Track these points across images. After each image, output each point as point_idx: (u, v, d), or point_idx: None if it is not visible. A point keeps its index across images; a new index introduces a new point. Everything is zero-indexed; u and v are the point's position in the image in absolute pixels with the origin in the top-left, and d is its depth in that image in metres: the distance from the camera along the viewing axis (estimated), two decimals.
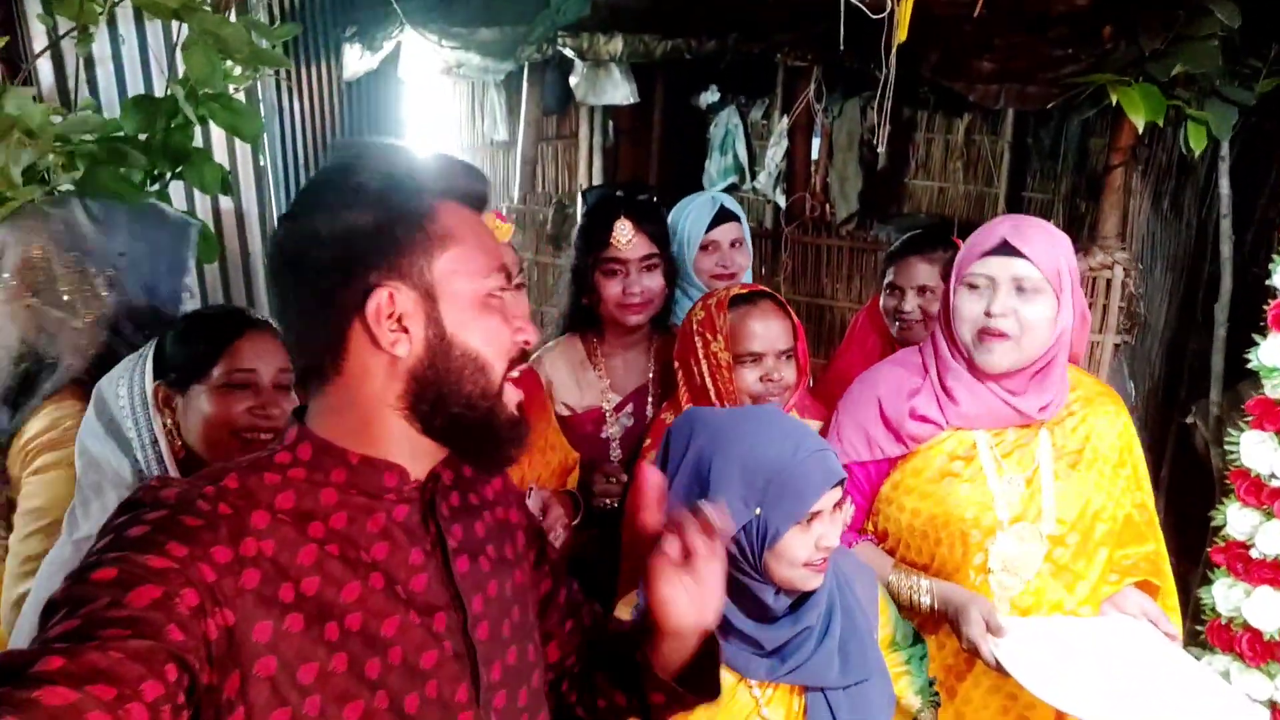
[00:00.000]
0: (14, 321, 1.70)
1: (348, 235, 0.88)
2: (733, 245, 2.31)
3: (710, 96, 6.92)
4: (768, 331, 1.75)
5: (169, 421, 1.49)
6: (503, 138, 5.58)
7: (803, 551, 1.29)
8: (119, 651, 0.71)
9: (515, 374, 0.95)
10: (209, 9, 1.72)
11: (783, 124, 5.81)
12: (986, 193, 5.79)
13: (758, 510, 1.28)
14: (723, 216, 2.31)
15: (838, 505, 1.33)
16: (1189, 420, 3.58)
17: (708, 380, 1.77)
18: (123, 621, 0.74)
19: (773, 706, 1.36)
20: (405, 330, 0.89)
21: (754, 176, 6.91)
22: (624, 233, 1.94)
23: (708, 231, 2.27)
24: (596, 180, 5.60)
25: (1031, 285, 1.59)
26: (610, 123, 5.90)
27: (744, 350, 1.75)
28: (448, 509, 0.99)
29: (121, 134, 2.05)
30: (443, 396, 0.91)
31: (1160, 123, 2.51)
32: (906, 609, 1.64)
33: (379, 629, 0.88)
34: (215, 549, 0.82)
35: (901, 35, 2.28)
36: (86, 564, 0.79)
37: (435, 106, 5.36)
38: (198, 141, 2.05)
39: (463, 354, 0.91)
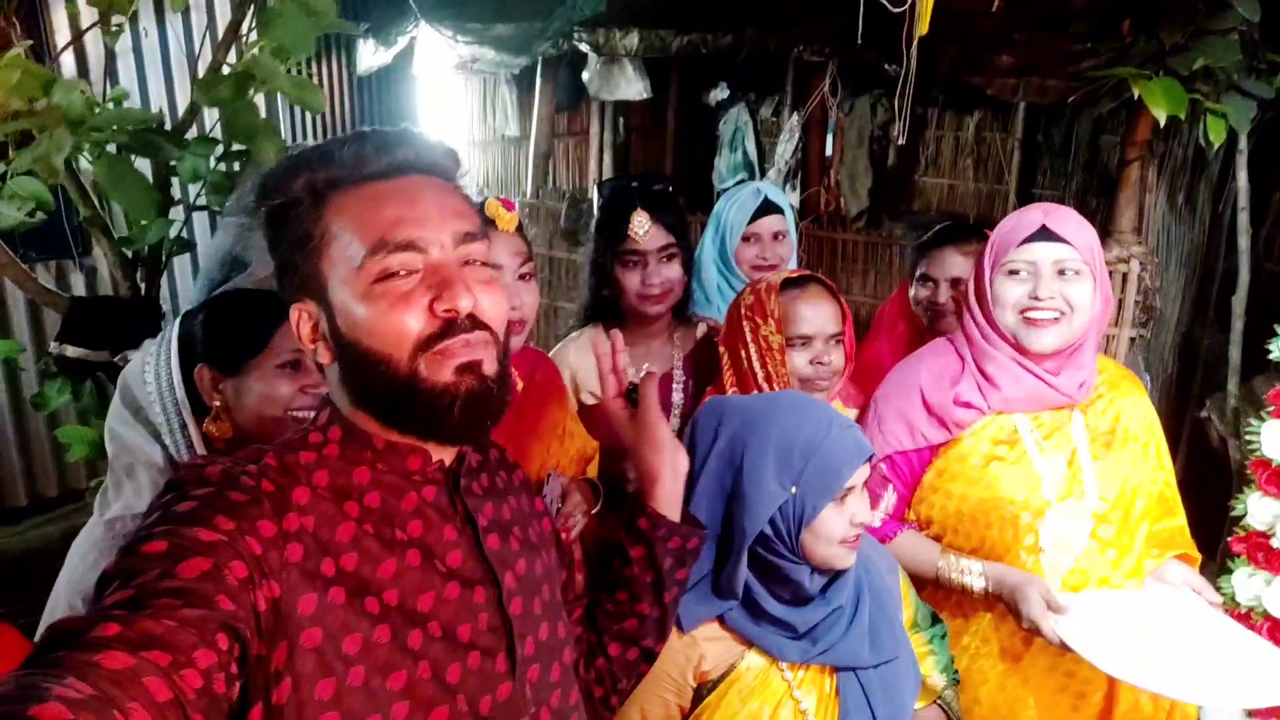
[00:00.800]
0: (227, 233, 1.74)
1: (279, 272, 0.96)
2: (775, 238, 2.33)
3: (720, 93, 6.94)
4: (818, 315, 1.76)
5: (216, 404, 1.50)
6: (514, 133, 5.59)
7: (839, 528, 1.31)
8: (172, 620, 0.73)
9: (457, 345, 0.90)
10: None
11: (793, 120, 5.82)
12: (997, 190, 5.80)
13: (794, 489, 1.30)
14: (767, 208, 2.33)
15: (866, 482, 1.35)
16: (1203, 414, 3.59)
17: (756, 364, 1.78)
18: (174, 592, 0.75)
19: (805, 689, 1.37)
20: (320, 339, 0.93)
21: (763, 173, 6.93)
22: (641, 224, 1.95)
23: (751, 223, 2.29)
24: (608, 176, 5.62)
25: (1073, 268, 1.63)
26: (621, 119, 5.92)
27: (795, 333, 1.76)
28: (479, 488, 1.02)
29: (154, 125, 2.07)
30: (366, 388, 0.92)
31: (1182, 116, 2.51)
32: (958, 593, 1.67)
33: (416, 603, 0.90)
34: (261, 523, 0.83)
35: (923, 29, 2.29)
36: (137, 538, 0.80)
37: (447, 102, 5.37)
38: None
39: (362, 349, 0.90)
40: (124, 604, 0.74)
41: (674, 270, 1.99)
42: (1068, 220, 1.65)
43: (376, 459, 0.94)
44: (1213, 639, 1.55)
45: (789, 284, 1.80)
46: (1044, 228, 1.63)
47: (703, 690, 1.37)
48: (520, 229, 1.58)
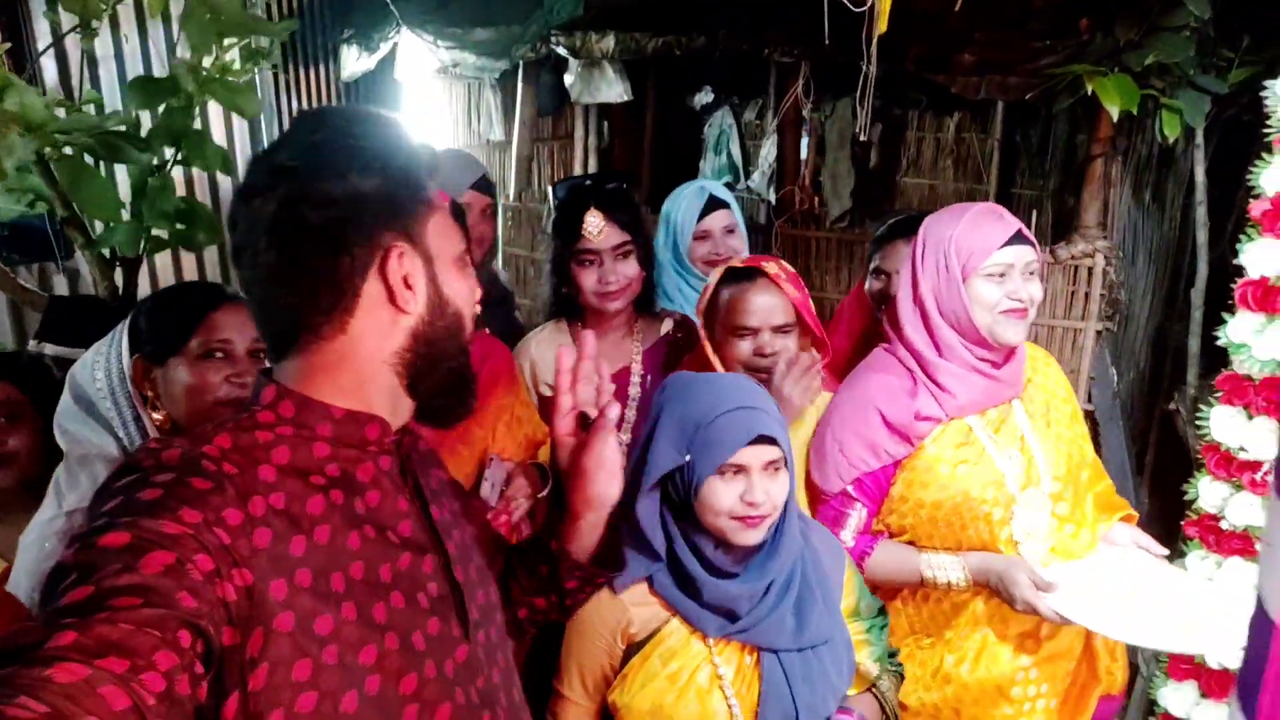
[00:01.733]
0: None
1: (360, 197, 0.91)
2: (726, 232, 2.38)
3: (704, 97, 7.01)
4: (761, 306, 1.81)
5: (149, 394, 1.54)
6: (498, 137, 5.63)
7: (726, 501, 1.37)
8: (129, 622, 0.71)
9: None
10: None
11: (775, 123, 5.89)
12: (976, 190, 5.87)
13: (687, 456, 1.38)
14: (713, 204, 2.38)
15: (772, 465, 1.40)
16: (1172, 407, 3.64)
17: (710, 356, 1.86)
18: (133, 589, 0.73)
19: (725, 657, 1.43)
20: (411, 288, 0.94)
21: (748, 176, 7.00)
22: (594, 224, 2.00)
23: (699, 220, 2.35)
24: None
25: (1035, 267, 1.75)
26: (605, 123, 5.97)
27: (738, 324, 1.82)
28: (417, 459, 1.06)
29: (120, 128, 2.12)
30: (436, 350, 0.98)
31: (1135, 111, 2.57)
32: (943, 590, 1.76)
33: (377, 576, 0.92)
34: (226, 512, 0.82)
35: (882, 26, 2.35)
36: (96, 527, 0.78)
37: (431, 107, 5.42)
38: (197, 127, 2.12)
39: (453, 311, 0.99)
40: (80, 605, 0.72)
41: (630, 267, 2.03)
42: (1019, 220, 1.76)
43: (334, 429, 0.94)
44: (1172, 589, 1.72)
45: (735, 276, 1.85)
46: (1019, 232, 1.72)
47: (630, 651, 1.44)
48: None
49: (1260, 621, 0.58)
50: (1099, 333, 3.37)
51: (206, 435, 0.90)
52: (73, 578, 0.74)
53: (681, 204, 2.40)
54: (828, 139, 6.26)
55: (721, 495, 1.38)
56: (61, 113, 2.11)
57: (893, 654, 1.65)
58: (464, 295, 1.00)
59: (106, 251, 2.38)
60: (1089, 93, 2.54)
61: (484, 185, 2.61)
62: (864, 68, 2.44)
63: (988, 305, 1.71)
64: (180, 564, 0.76)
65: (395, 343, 0.96)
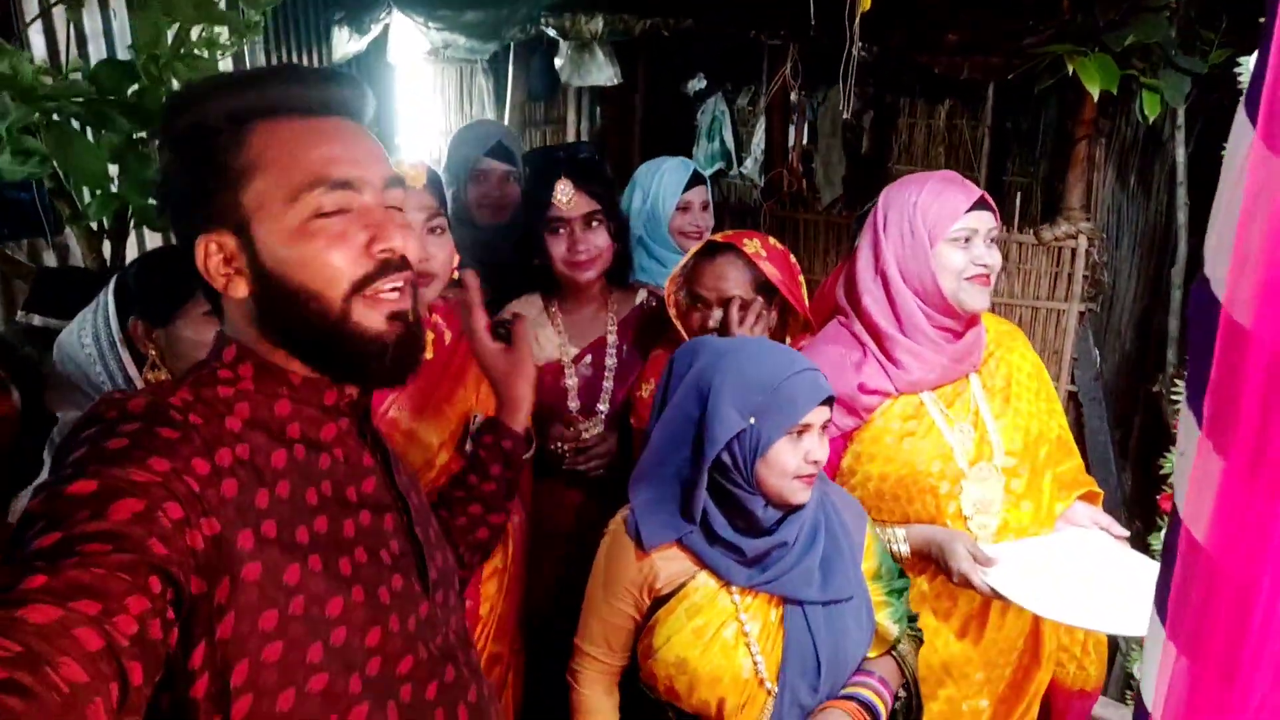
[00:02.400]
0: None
1: (170, 188, 0.93)
2: (703, 207, 2.43)
3: (698, 84, 7.02)
4: (718, 279, 1.83)
5: (153, 353, 1.56)
6: (491, 120, 5.66)
7: (792, 462, 1.39)
8: (101, 567, 0.70)
9: (388, 292, 0.92)
10: None
11: (763, 103, 5.90)
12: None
13: (752, 419, 1.38)
14: (696, 179, 2.42)
15: (825, 424, 1.43)
16: (1155, 388, 3.68)
17: (676, 324, 1.89)
18: (103, 535, 0.72)
19: (751, 613, 1.45)
20: (235, 272, 0.91)
21: (740, 162, 7.02)
22: (565, 192, 2.01)
23: (684, 192, 2.39)
24: None
25: (995, 236, 1.75)
26: (597, 108, 5.99)
27: (696, 293, 1.86)
28: (374, 421, 1.07)
29: (110, 97, 2.13)
30: (286, 325, 0.92)
31: (1114, 91, 2.60)
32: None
33: (341, 530, 0.92)
34: (195, 461, 0.82)
35: (864, 4, 2.38)
36: (63, 476, 0.77)
37: (423, 90, 5.43)
38: None
39: (291, 287, 0.89)
40: (49, 550, 0.71)
41: (600, 237, 2.05)
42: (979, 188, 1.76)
43: (292, 393, 0.94)
44: (1123, 572, 1.65)
45: (712, 250, 1.88)
46: (982, 197, 1.72)
47: (657, 604, 1.46)
48: (428, 185, 1.62)
49: (1173, 524, 0.60)
50: (1082, 314, 3.40)
51: (168, 388, 0.89)
52: (40, 525, 0.74)
53: (664, 175, 2.44)
54: (820, 127, 6.27)
55: (788, 457, 1.38)
56: (49, 81, 2.13)
57: (912, 619, 1.63)
58: (307, 265, 0.89)
59: (94, 225, 2.40)
60: (1070, 73, 2.55)
61: (500, 152, 2.63)
62: (847, 47, 2.45)
63: (954, 271, 1.70)
64: (149, 511, 0.76)
65: (253, 320, 0.94)
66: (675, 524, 1.45)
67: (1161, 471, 2.43)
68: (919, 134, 6.18)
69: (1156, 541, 2.42)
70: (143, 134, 2.07)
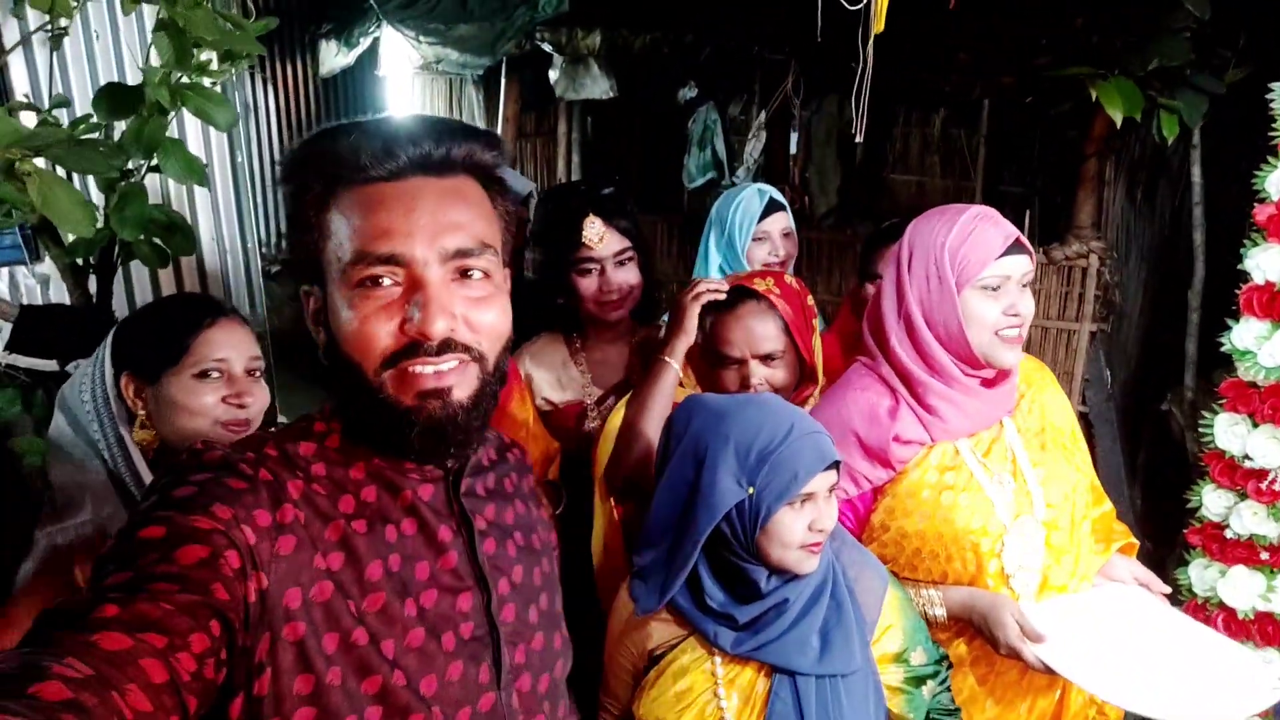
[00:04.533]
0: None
1: (288, 234, 0.97)
2: (784, 235, 2.34)
3: (689, 92, 6.93)
4: (746, 335, 1.72)
5: (141, 413, 1.48)
6: None
7: (797, 533, 1.29)
8: (169, 604, 0.73)
9: (419, 368, 0.88)
10: None
11: (761, 118, 5.83)
12: (964, 186, 5.83)
13: (750, 489, 1.29)
14: (772, 207, 2.34)
15: (832, 489, 1.33)
16: (1164, 407, 3.63)
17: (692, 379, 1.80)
18: (170, 576, 0.75)
19: (733, 683, 1.35)
20: (319, 327, 0.93)
21: (733, 172, 6.94)
22: (594, 230, 1.91)
23: (759, 222, 2.30)
24: (576, 176, 5.60)
25: (1030, 279, 1.60)
26: (589, 119, 5.90)
27: (722, 353, 1.74)
28: (483, 489, 1.02)
29: (93, 134, 2.01)
30: (338, 387, 0.92)
31: (1138, 118, 2.52)
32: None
33: (398, 608, 0.89)
34: (257, 512, 0.83)
35: (878, 26, 2.30)
36: (134, 522, 0.80)
37: (413, 102, 5.33)
38: (172, 133, 2.02)
39: (341, 350, 0.90)
40: (121, 586, 0.74)
41: (631, 274, 1.96)
42: (1014, 227, 1.60)
43: (374, 454, 0.93)
44: (1175, 643, 1.56)
45: (721, 303, 1.75)
46: (1017, 240, 1.57)
47: (653, 663, 1.39)
48: None
49: None
50: (1093, 334, 3.34)
51: (256, 442, 0.91)
52: (112, 566, 0.77)
53: (739, 204, 2.35)
54: (814, 135, 6.20)
55: (793, 527, 1.29)
56: (32, 118, 2.02)
57: (952, 711, 1.47)
58: (347, 330, 0.88)
59: (80, 260, 2.29)
60: (1092, 98, 2.48)
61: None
62: (858, 68, 2.37)
63: (984, 324, 1.56)
64: (213, 558, 0.78)
65: (332, 382, 0.94)
66: (668, 588, 1.36)
67: (1189, 505, 2.35)
68: (914, 143, 6.13)
69: (1183, 576, 2.35)
70: (142, 164, 1.97)
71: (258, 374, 1.54)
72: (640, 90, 5.30)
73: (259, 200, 5.55)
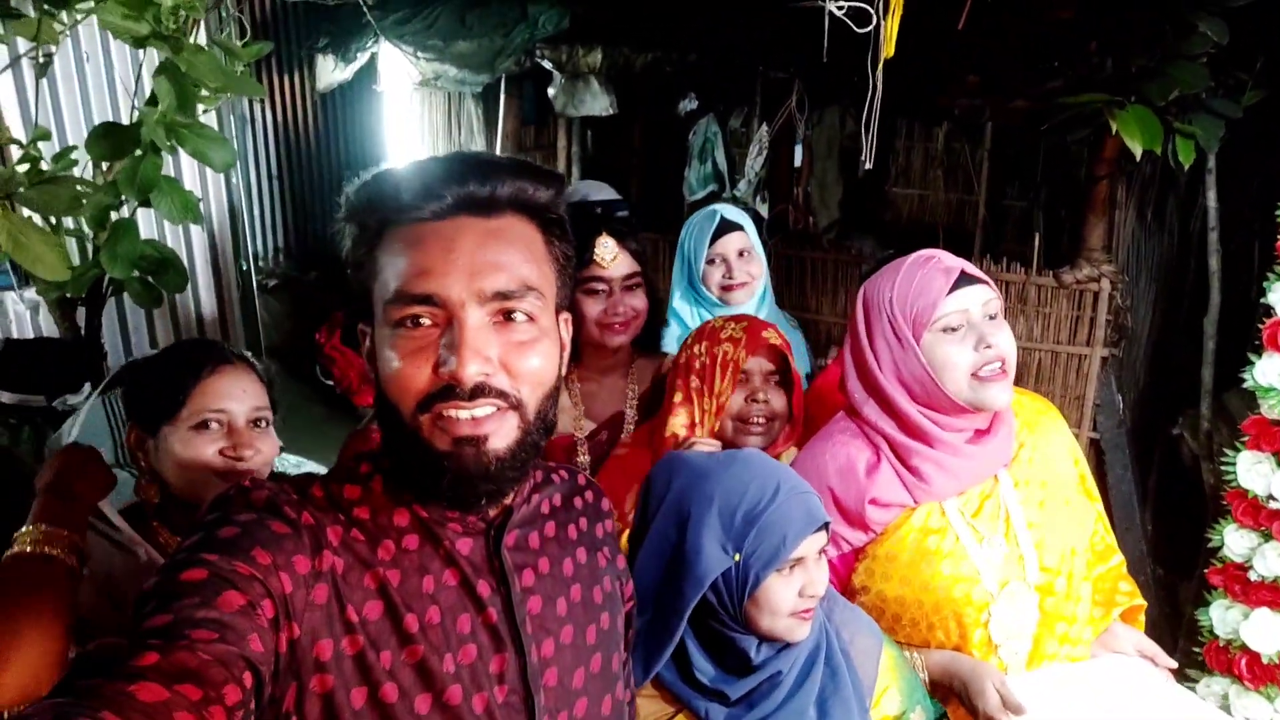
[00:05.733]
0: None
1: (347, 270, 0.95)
2: (740, 255, 2.25)
3: (689, 104, 6.88)
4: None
5: (143, 463, 1.44)
6: (479, 148, 5.51)
7: (787, 600, 1.22)
8: (206, 653, 0.73)
9: (453, 413, 0.85)
10: (180, 36, 1.63)
11: (762, 131, 5.77)
12: (966, 200, 5.78)
13: (736, 556, 1.21)
14: (725, 227, 2.25)
15: (822, 551, 1.26)
16: (1176, 431, 3.57)
17: (694, 392, 1.73)
18: (210, 623, 0.75)
19: None
20: (372, 362, 0.93)
21: (734, 184, 6.88)
22: (607, 250, 1.86)
23: (711, 244, 2.22)
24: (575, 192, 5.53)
25: (996, 308, 1.49)
26: (588, 133, 5.84)
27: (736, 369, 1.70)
28: (538, 539, 0.98)
29: (73, 168, 1.94)
30: (381, 424, 0.92)
31: (1158, 150, 2.46)
32: None
33: (432, 665, 0.86)
34: (297, 558, 0.82)
35: (889, 51, 2.25)
36: (179, 560, 0.80)
37: (411, 118, 5.27)
38: (166, 167, 1.96)
39: (383, 389, 0.90)
40: (161, 630, 0.74)
41: (639, 300, 1.90)
42: (962, 259, 1.51)
43: (415, 500, 0.91)
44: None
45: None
46: (964, 273, 1.47)
47: None
48: None
49: None
50: (1104, 358, 3.28)
51: (303, 483, 0.91)
52: (154, 604, 0.76)
53: (694, 230, 2.28)
54: (815, 148, 6.15)
55: (782, 595, 1.21)
56: (15, 151, 1.96)
57: None
58: (386, 371, 0.88)
59: (68, 293, 2.23)
60: (1112, 131, 2.41)
61: None
62: (859, 81, 2.30)
63: (956, 368, 1.45)
64: (251, 607, 0.78)
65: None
66: (653, 663, 1.26)
67: (1210, 544, 2.29)
68: (916, 156, 6.08)
69: (1204, 617, 2.28)
70: (136, 204, 1.90)
71: (264, 423, 1.49)
72: (641, 107, 5.24)
73: (256, 215, 5.49)
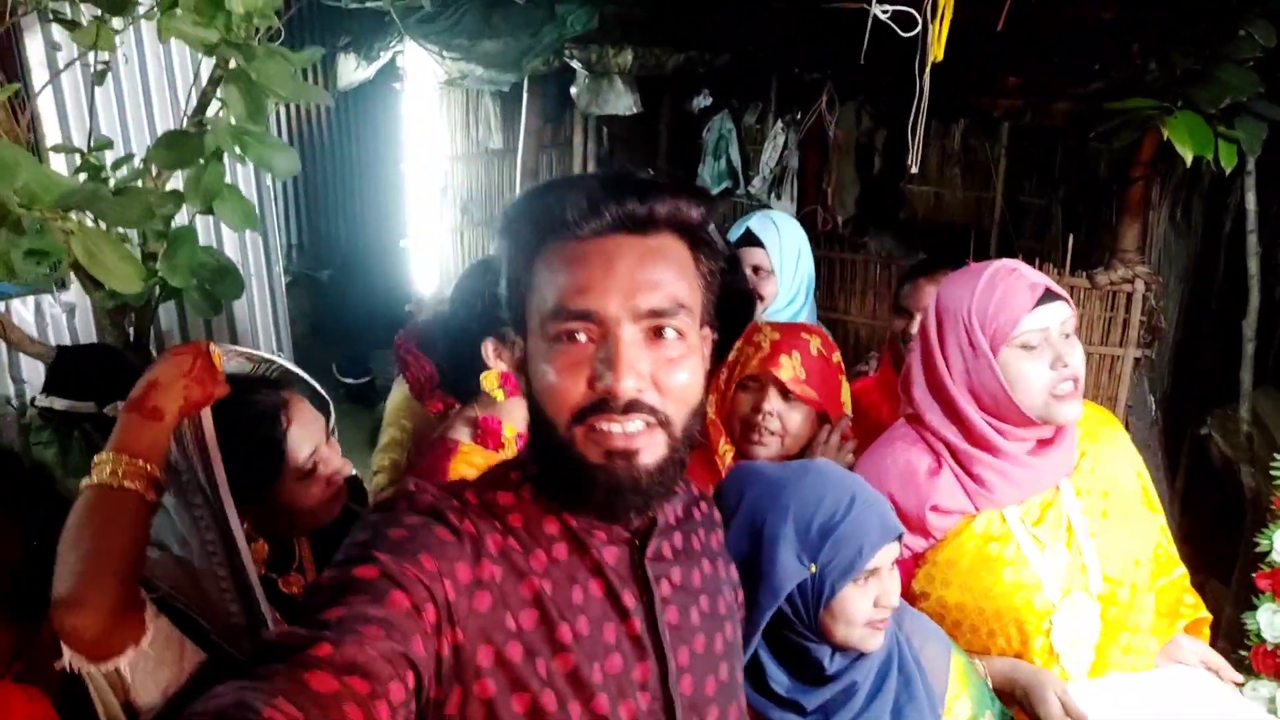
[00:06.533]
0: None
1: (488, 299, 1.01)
2: (753, 271, 2.23)
3: (703, 100, 6.86)
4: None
5: (245, 526, 1.41)
6: (497, 146, 5.49)
7: (862, 610, 1.23)
8: (374, 650, 0.75)
9: (607, 426, 0.88)
10: (251, 43, 1.62)
11: (776, 128, 5.76)
12: (984, 197, 5.78)
13: (812, 567, 1.22)
14: (746, 239, 2.23)
15: (895, 562, 1.27)
16: (1204, 432, 3.58)
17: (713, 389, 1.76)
18: (379, 621, 0.77)
19: None
20: (520, 373, 0.96)
21: (748, 181, 6.87)
22: None
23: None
24: None
25: (1073, 328, 1.51)
26: (604, 129, 5.83)
27: (746, 375, 1.74)
28: (670, 551, 1.00)
29: (133, 176, 1.93)
30: (536, 435, 0.94)
31: (1209, 156, 2.45)
32: None
33: (583, 673, 0.88)
34: (459, 565, 0.84)
35: (937, 54, 2.24)
36: (350, 555, 0.83)
37: (429, 114, 5.25)
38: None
39: (537, 400, 0.92)
40: (334, 623, 0.76)
41: None
42: (1044, 275, 1.51)
43: (564, 509, 0.93)
44: None
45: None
46: (1047, 290, 1.48)
47: None
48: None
49: None
50: (1137, 360, 3.29)
51: (459, 489, 0.93)
52: (325, 596, 0.79)
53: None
54: (832, 145, 6.15)
55: (858, 605, 1.22)
56: (75, 161, 1.95)
57: None
58: (541, 382, 0.91)
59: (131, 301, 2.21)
60: (1164, 137, 2.41)
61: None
62: (916, 101, 2.30)
63: (1033, 386, 1.47)
64: (416, 610, 0.80)
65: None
66: None
67: (1258, 549, 2.30)
68: (933, 153, 6.07)
69: (1251, 621, 2.29)
70: (196, 212, 1.90)
71: (332, 431, 1.50)
72: (661, 107, 5.22)
73: (271, 213, 5.47)
